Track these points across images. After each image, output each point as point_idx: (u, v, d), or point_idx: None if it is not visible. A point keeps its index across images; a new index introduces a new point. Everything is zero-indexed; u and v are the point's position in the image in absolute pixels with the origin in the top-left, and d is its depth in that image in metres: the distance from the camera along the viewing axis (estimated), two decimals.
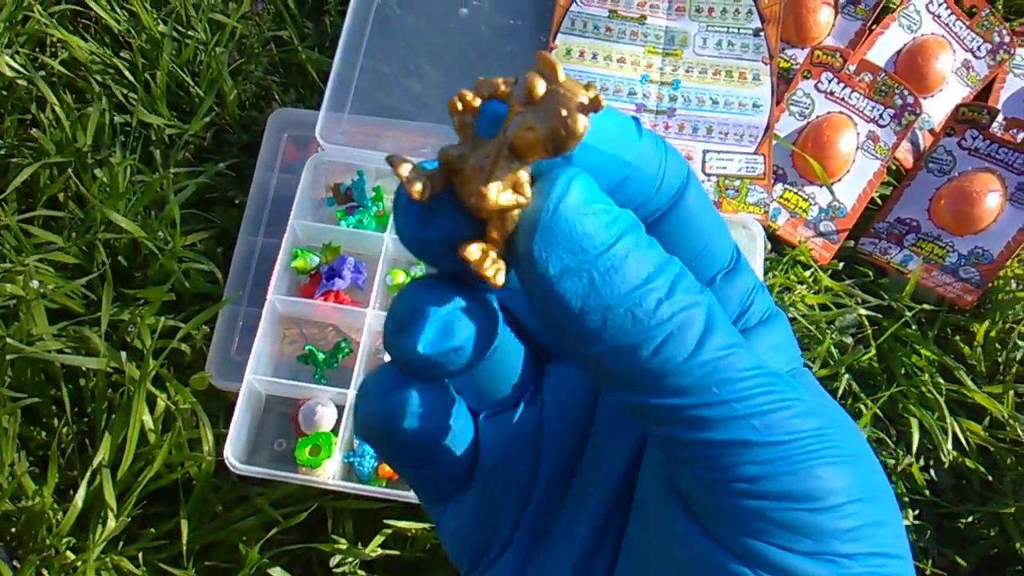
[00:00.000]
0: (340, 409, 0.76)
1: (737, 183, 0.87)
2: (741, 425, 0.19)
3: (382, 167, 0.85)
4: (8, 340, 0.69)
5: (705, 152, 0.88)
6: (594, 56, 0.92)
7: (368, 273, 0.83)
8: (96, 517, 0.72)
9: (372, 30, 0.93)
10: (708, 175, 0.87)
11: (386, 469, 0.74)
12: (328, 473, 0.73)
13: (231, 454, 0.72)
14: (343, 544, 0.70)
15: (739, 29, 0.93)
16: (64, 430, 0.75)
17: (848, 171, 0.92)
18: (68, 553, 0.72)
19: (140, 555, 0.74)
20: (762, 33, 0.92)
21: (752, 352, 0.19)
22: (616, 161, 0.20)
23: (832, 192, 0.91)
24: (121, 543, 0.74)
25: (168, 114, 0.89)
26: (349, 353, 0.80)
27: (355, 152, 0.85)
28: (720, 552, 0.19)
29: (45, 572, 0.72)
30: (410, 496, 0.72)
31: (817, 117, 0.93)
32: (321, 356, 0.80)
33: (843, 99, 0.94)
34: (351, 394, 0.76)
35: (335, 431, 0.76)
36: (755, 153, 0.88)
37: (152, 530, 0.74)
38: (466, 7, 0.95)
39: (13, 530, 0.71)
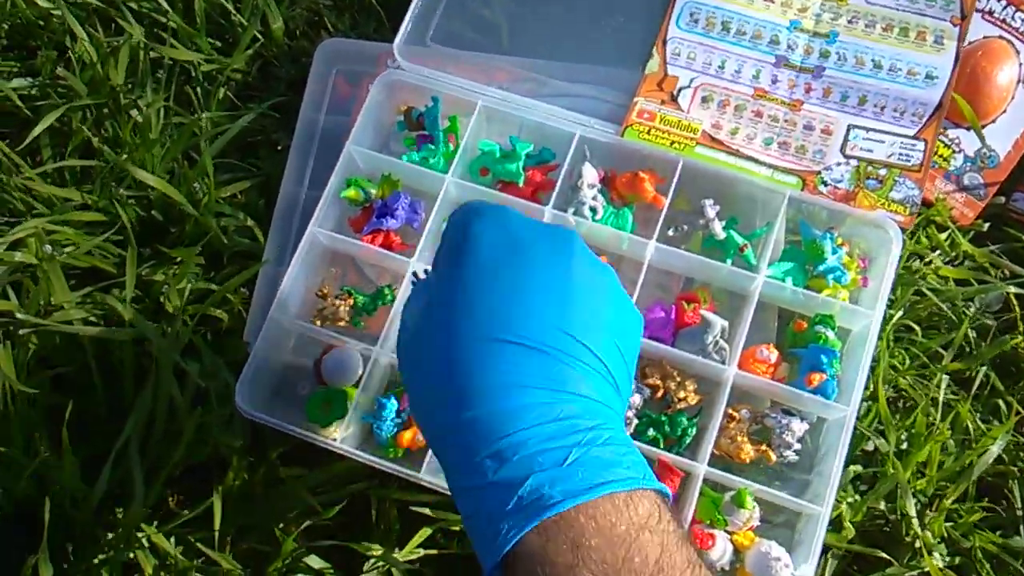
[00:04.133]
0: (366, 363, 0.69)
1: (883, 172, 0.70)
2: None
3: (460, 96, 0.74)
4: (18, 315, 0.63)
5: (850, 128, 0.72)
6: None
7: (426, 216, 0.74)
8: (128, 495, 0.68)
9: None
10: (848, 157, 0.71)
11: (406, 437, 0.67)
12: (340, 434, 0.66)
13: (241, 397, 0.65)
14: (377, 550, 0.63)
15: None
16: (95, 401, 0.70)
17: (1004, 111, 0.76)
18: (98, 530, 0.68)
19: (175, 533, 0.69)
20: None
21: None
22: None
23: (982, 137, 0.75)
24: (156, 521, 0.70)
25: (208, 47, 0.81)
26: (392, 302, 0.72)
27: (434, 75, 0.75)
28: None
29: (73, 548, 0.68)
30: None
31: (970, 43, 0.76)
32: (361, 299, 0.72)
33: (1004, 21, 0.76)
34: (376, 351, 0.68)
35: (358, 385, 0.68)
36: (915, 137, 0.71)
37: (186, 512, 0.69)
38: None
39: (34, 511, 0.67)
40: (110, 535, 0.67)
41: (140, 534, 0.67)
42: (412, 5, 0.77)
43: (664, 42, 0.76)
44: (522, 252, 0.42)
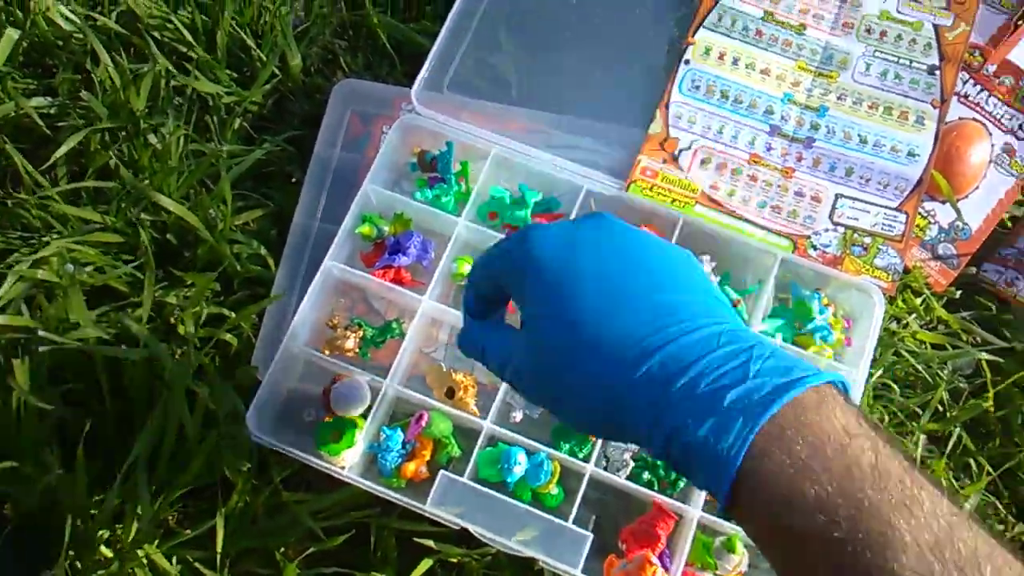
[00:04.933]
0: (375, 394, 0.71)
1: (867, 240, 0.76)
2: None
3: (471, 143, 0.78)
4: (40, 333, 0.64)
5: (837, 197, 0.77)
6: (735, 61, 0.81)
7: (435, 255, 0.77)
8: (132, 513, 0.69)
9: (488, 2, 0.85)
10: (836, 224, 0.76)
11: (409, 469, 0.70)
12: (347, 462, 0.69)
13: (252, 422, 0.68)
14: None
15: (912, 62, 0.80)
16: (104, 417, 0.71)
17: (977, 187, 0.81)
18: (102, 548, 0.68)
19: (175, 553, 0.70)
20: (938, 72, 0.80)
21: None
22: None
23: (958, 211, 0.80)
24: (157, 540, 0.70)
25: (227, 79, 0.83)
26: (399, 336, 0.74)
27: (449, 121, 0.78)
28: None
29: (78, 564, 0.68)
30: (454, 521, 0.66)
31: (947, 123, 0.82)
32: (370, 332, 0.74)
33: (978, 104, 0.82)
34: (385, 383, 0.71)
35: (365, 415, 0.70)
36: (897, 209, 0.77)
37: (188, 532, 0.70)
38: None
39: (41, 524, 0.68)
40: (110, 552, 0.68)
41: (140, 552, 0.68)
42: (431, 53, 0.81)
43: (667, 105, 0.80)
44: (588, 245, 0.42)
